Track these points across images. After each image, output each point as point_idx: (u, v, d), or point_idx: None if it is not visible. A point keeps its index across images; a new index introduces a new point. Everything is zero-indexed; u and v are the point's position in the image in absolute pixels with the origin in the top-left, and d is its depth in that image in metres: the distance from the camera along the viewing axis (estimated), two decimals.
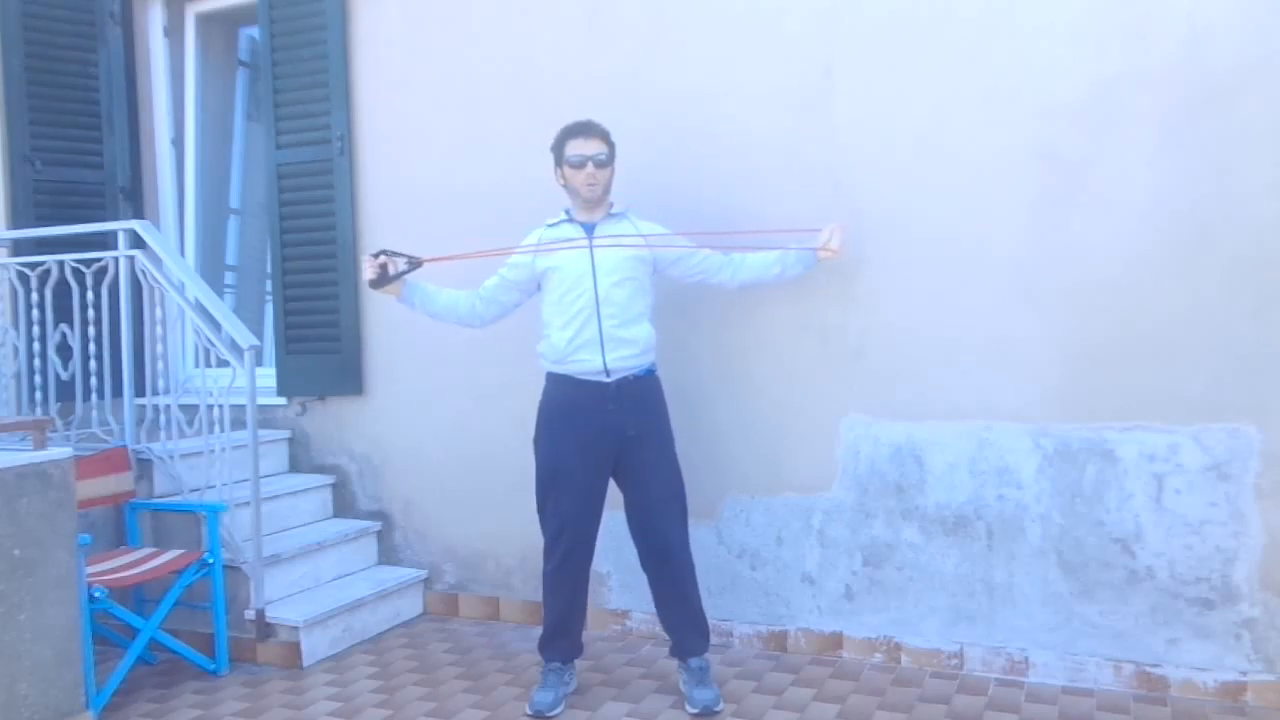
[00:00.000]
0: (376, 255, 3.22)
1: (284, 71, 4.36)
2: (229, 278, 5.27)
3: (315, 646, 3.72)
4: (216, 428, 3.84)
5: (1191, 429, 3.06)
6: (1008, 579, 3.32)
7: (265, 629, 3.71)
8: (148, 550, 3.75)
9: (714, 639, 3.43)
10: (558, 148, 3.19)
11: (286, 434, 4.52)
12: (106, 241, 4.02)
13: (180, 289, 3.86)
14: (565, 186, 3.22)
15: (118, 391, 3.96)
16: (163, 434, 3.95)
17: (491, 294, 3.33)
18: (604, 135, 3.18)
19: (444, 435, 4.19)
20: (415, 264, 3.26)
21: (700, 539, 3.52)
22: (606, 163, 3.17)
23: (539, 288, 3.26)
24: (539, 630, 3.35)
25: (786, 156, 3.51)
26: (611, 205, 3.25)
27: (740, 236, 3.36)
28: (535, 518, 3.27)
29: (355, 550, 4.25)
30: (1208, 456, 3.05)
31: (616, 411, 3.13)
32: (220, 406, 3.80)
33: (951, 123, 3.30)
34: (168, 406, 3.90)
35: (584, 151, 3.14)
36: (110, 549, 3.82)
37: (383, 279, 3.21)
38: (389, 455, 4.33)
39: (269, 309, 4.93)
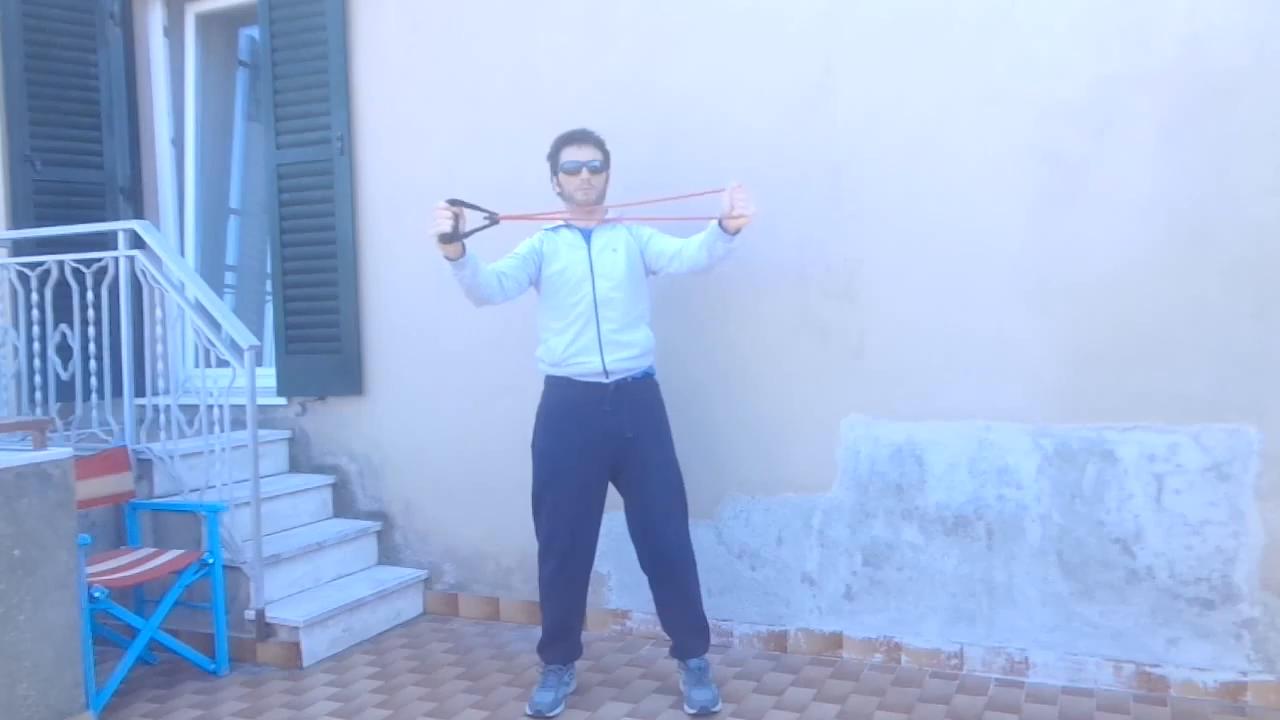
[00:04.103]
0: (452, 203, 2.82)
1: (284, 71, 4.36)
2: (229, 278, 5.27)
3: (315, 646, 3.72)
4: (216, 428, 3.84)
5: (1191, 429, 3.06)
6: (1008, 579, 3.32)
7: (265, 629, 3.71)
8: (148, 550, 3.75)
9: (714, 639, 3.43)
10: (553, 156, 3.21)
11: (286, 434, 4.52)
12: (106, 241, 4.02)
13: (180, 289, 3.86)
14: (560, 194, 3.22)
15: (118, 391, 3.96)
16: (163, 434, 3.95)
17: (512, 272, 3.15)
18: (598, 143, 3.20)
19: (444, 435, 4.19)
20: (493, 220, 2.92)
21: (700, 539, 3.51)
22: (601, 169, 3.18)
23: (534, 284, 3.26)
24: (539, 630, 3.35)
25: (786, 156, 3.51)
26: (607, 211, 3.26)
27: (651, 206, 3.22)
28: None
29: (355, 550, 4.25)
30: (1208, 456, 3.05)
31: (615, 413, 3.13)
32: (220, 406, 3.80)
33: (951, 123, 3.30)
34: (168, 406, 3.90)
35: (578, 158, 3.15)
36: (110, 549, 3.82)
37: (455, 234, 2.81)
38: (389, 455, 4.33)
39: (269, 309, 4.93)
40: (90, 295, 3.89)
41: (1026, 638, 3.30)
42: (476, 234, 2.89)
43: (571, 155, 3.16)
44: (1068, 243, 3.18)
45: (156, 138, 4.90)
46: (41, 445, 3.01)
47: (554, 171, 3.21)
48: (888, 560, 3.47)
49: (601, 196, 3.22)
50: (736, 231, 2.99)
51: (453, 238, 2.81)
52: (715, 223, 3.01)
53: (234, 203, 5.24)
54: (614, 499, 3.24)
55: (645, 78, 3.71)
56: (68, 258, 3.91)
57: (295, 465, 4.53)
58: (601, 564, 3.68)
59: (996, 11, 3.22)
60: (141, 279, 3.87)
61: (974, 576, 3.36)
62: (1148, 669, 3.16)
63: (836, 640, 3.57)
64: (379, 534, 4.36)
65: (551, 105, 3.77)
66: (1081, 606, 3.22)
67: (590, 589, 3.32)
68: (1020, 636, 3.31)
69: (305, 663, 3.66)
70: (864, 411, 3.48)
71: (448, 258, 2.90)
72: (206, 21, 4.97)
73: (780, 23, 3.51)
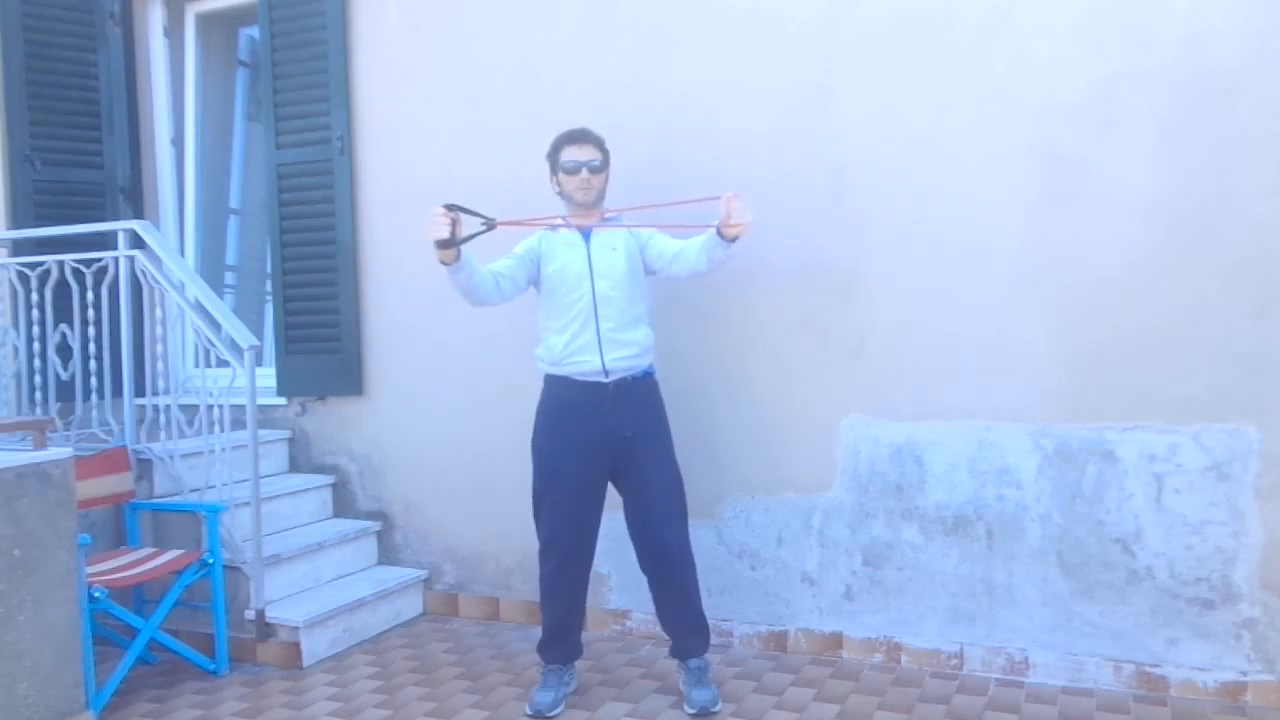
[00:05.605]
0: (449, 209, 2.79)
1: (284, 71, 4.36)
2: (229, 278, 5.27)
3: (315, 646, 3.72)
4: (216, 428, 3.84)
5: (1191, 429, 3.06)
6: (1008, 579, 3.32)
7: (265, 629, 3.71)
8: (148, 550, 3.75)
9: (714, 639, 3.43)
10: (553, 155, 3.20)
11: (286, 434, 4.52)
12: (106, 241, 4.02)
13: (180, 289, 3.86)
14: (560, 194, 3.22)
15: (118, 391, 3.96)
16: (163, 434, 3.95)
17: (509, 273, 3.16)
18: (598, 142, 3.20)
19: (444, 435, 4.19)
20: (490, 226, 2.90)
21: (700, 539, 3.52)
22: (601, 169, 3.18)
23: (533, 284, 3.26)
24: (539, 630, 3.35)
25: (786, 157, 3.51)
26: (606, 211, 3.26)
27: (648, 211, 3.22)
28: None
29: (355, 550, 4.25)
30: (1208, 456, 3.05)
31: (614, 413, 3.13)
32: (220, 406, 3.80)
33: (951, 123, 3.30)
34: (168, 406, 3.90)
35: (578, 158, 3.14)
36: (110, 549, 3.82)
37: (452, 239, 2.78)
38: (389, 455, 4.33)
39: (269, 309, 4.93)
40: (90, 295, 3.89)
41: (1026, 638, 3.30)
42: (474, 239, 2.89)
43: (571, 155, 3.16)
44: (1068, 243, 3.18)
45: (156, 138, 4.90)
46: (41, 445, 3.01)
47: (553, 171, 3.21)
48: (888, 560, 3.47)
49: (601, 196, 3.22)
50: (734, 239, 2.99)
51: (449, 243, 2.79)
52: (714, 230, 3.01)
53: (234, 203, 5.24)
54: (614, 499, 3.24)
55: (645, 78, 3.71)
56: (68, 258, 3.90)
57: (295, 465, 4.53)
58: (601, 564, 3.68)
59: (996, 11, 3.22)
60: (141, 279, 3.87)
61: (974, 576, 3.36)
62: (1148, 669, 3.16)
63: (836, 640, 3.57)
64: (379, 534, 4.36)
65: (551, 105, 3.77)
66: (1081, 606, 3.22)
67: (590, 589, 3.32)
68: (1020, 636, 3.31)
69: (305, 663, 3.66)
70: (864, 411, 3.48)
71: (443, 263, 2.90)
72: (206, 21, 4.97)
73: (780, 23, 3.51)
